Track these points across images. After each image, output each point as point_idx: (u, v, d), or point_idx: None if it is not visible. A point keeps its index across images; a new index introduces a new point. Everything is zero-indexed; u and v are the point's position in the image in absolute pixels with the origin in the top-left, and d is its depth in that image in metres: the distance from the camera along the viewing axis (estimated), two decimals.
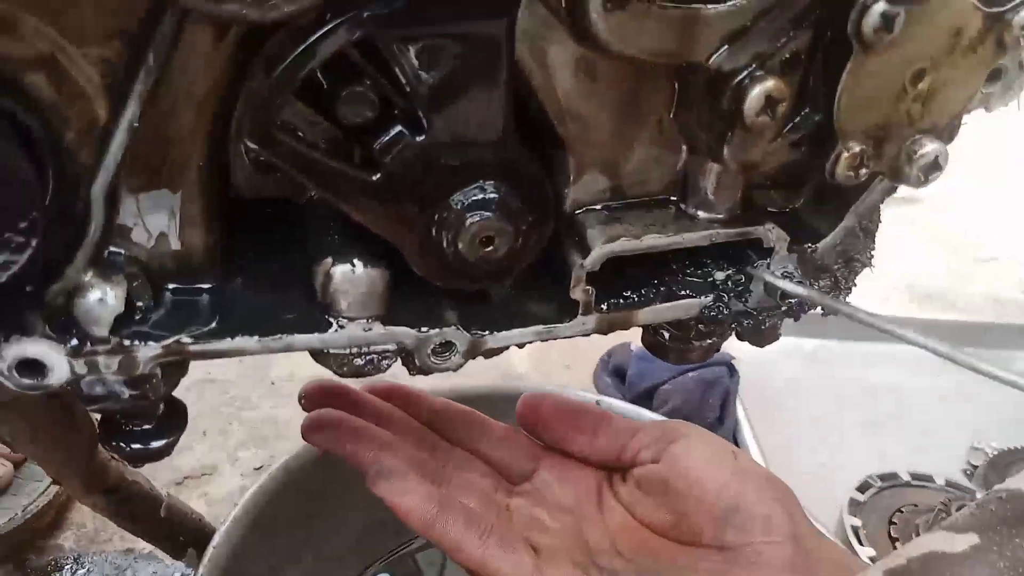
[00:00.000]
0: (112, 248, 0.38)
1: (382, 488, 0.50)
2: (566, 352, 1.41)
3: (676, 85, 0.41)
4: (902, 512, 1.10)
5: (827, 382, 1.51)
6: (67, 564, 1.00)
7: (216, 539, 0.73)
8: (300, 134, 0.36)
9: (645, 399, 1.26)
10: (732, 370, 1.29)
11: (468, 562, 0.48)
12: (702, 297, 0.46)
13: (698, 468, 0.52)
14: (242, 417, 1.22)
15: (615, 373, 1.36)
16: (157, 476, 0.93)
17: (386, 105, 0.36)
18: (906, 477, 1.16)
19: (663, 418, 0.60)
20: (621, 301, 0.45)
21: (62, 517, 1.05)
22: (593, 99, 0.41)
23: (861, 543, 1.04)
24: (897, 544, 1.05)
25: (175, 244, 0.39)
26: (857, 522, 1.08)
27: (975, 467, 1.23)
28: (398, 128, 0.36)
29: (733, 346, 1.44)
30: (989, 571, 0.34)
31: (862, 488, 1.13)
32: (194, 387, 1.24)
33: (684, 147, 0.44)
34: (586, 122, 0.41)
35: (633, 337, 1.43)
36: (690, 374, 1.26)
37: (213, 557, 0.72)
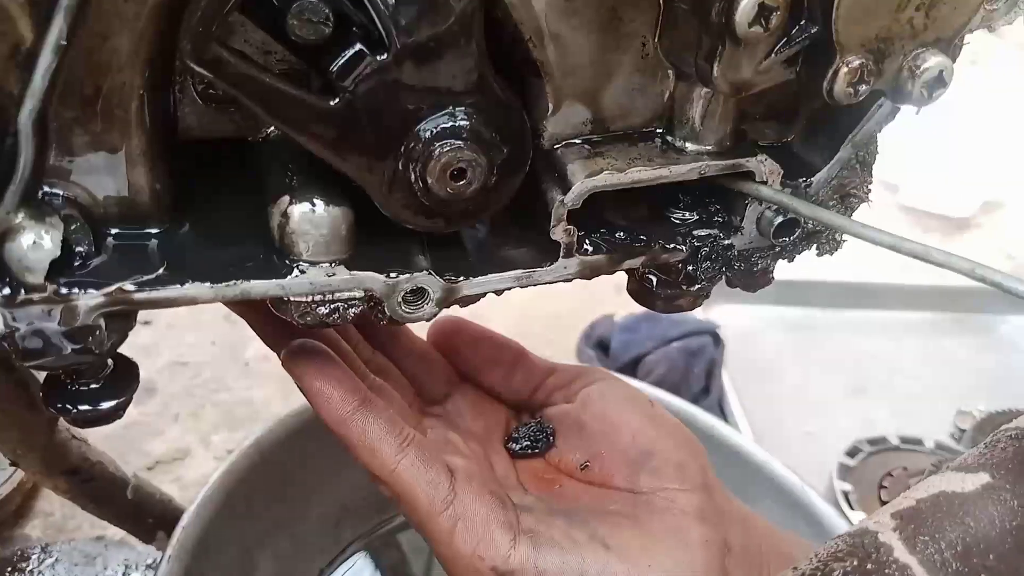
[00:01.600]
0: (48, 189, 0.35)
1: (300, 366, 0.44)
2: (549, 325, 1.39)
3: (661, 3, 0.38)
4: (892, 476, 1.08)
5: (812, 351, 1.49)
6: (34, 554, 0.96)
7: (185, 519, 0.69)
8: (250, 57, 0.33)
9: (629, 370, 1.24)
10: (717, 339, 1.27)
11: (381, 471, 0.44)
12: (690, 237, 0.43)
13: (614, 412, 0.51)
14: (215, 399, 1.18)
15: (598, 346, 1.33)
16: (128, 461, 0.90)
17: (343, 22, 0.33)
18: (895, 441, 1.15)
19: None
20: (604, 244, 0.42)
21: (28, 506, 1.01)
22: (572, 18, 0.37)
23: (852, 507, 1.02)
24: None
25: (116, 185, 0.36)
26: (847, 486, 1.06)
27: (963, 430, 1.22)
28: (357, 47, 0.33)
29: (717, 315, 1.42)
30: (1002, 509, 0.33)
31: (851, 453, 1.11)
32: (166, 369, 1.20)
33: (671, 74, 0.41)
34: (564, 44, 0.38)
35: (616, 309, 1.41)
36: (674, 344, 1.23)
37: (181, 539, 0.68)
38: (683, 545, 0.44)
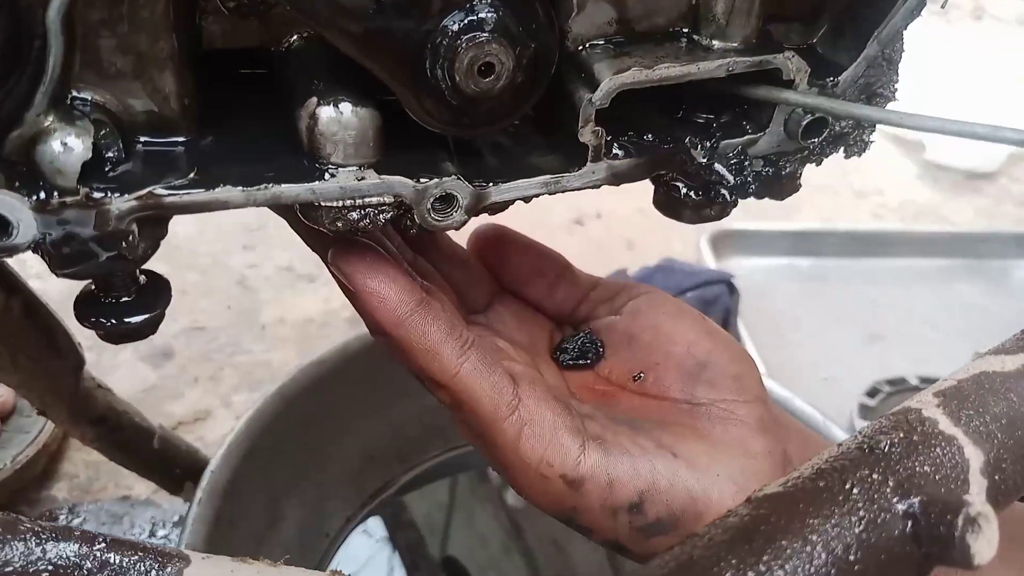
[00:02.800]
0: (76, 94, 0.35)
1: (351, 265, 0.41)
2: None
3: None
4: None
5: (825, 299, 1.49)
6: (62, 514, 0.97)
7: (213, 463, 0.70)
8: None
9: None
10: (732, 288, 1.26)
11: (442, 374, 0.41)
12: (718, 138, 0.43)
13: (667, 323, 0.49)
14: (234, 362, 1.19)
15: None
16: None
17: None
18: (914, 382, 1.15)
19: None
20: (633, 147, 0.42)
21: (53, 468, 1.02)
22: None
23: None
24: None
25: (143, 91, 0.36)
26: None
27: None
28: None
29: (729, 268, 1.42)
30: None
31: (871, 393, 1.11)
32: (182, 334, 1.20)
33: None
34: None
35: (630, 263, 1.41)
36: (688, 293, 1.23)
37: (211, 481, 0.69)
38: (748, 454, 0.44)
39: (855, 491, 0.29)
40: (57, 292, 0.60)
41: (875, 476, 0.30)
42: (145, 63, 0.35)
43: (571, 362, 0.50)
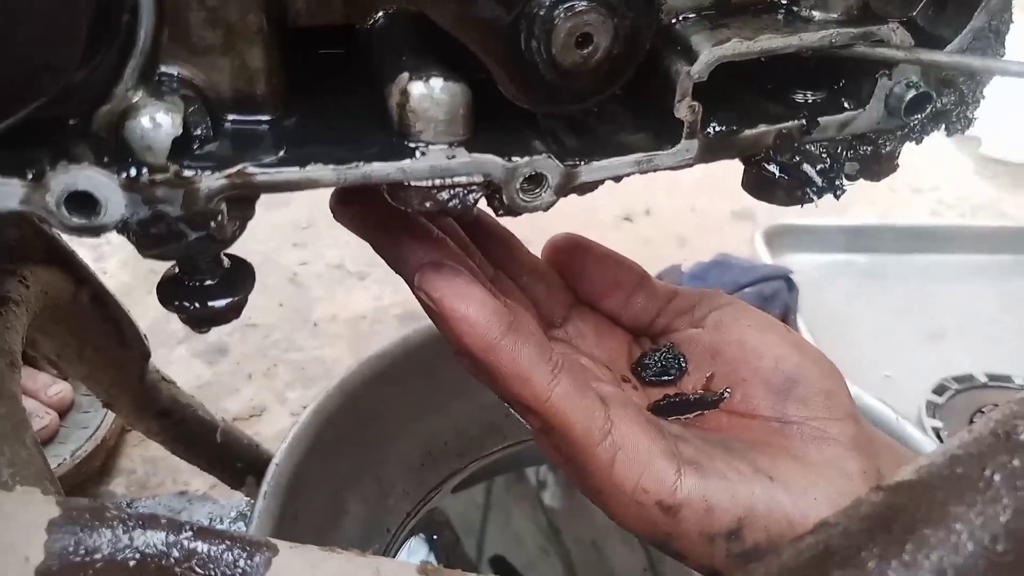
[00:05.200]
0: (164, 70, 0.34)
1: (438, 289, 0.40)
2: None
3: None
4: (982, 412, 1.05)
5: (883, 296, 1.45)
6: None
7: (277, 457, 0.69)
8: None
9: None
10: (791, 284, 1.24)
11: (533, 400, 0.39)
12: (817, 115, 0.41)
13: (753, 337, 0.47)
14: (287, 359, 1.18)
15: None
16: None
17: None
18: (983, 379, 1.11)
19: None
20: (729, 123, 0.40)
21: (111, 464, 1.02)
22: None
23: (943, 443, 0.99)
24: None
25: (231, 67, 0.35)
26: (938, 423, 1.03)
27: None
28: None
29: (786, 261, 1.39)
30: None
31: (939, 391, 1.08)
32: (236, 331, 1.20)
33: None
34: None
35: (688, 258, 1.39)
36: (747, 289, 1.21)
37: (276, 475, 0.68)
38: (843, 476, 0.42)
39: (996, 478, 0.27)
40: (115, 284, 0.60)
41: (1015, 463, 0.28)
42: (234, 38, 0.34)
43: (653, 378, 0.48)
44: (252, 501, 0.93)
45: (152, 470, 1.01)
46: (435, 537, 0.90)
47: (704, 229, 1.57)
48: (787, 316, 1.21)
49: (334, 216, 0.45)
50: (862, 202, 1.67)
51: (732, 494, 0.40)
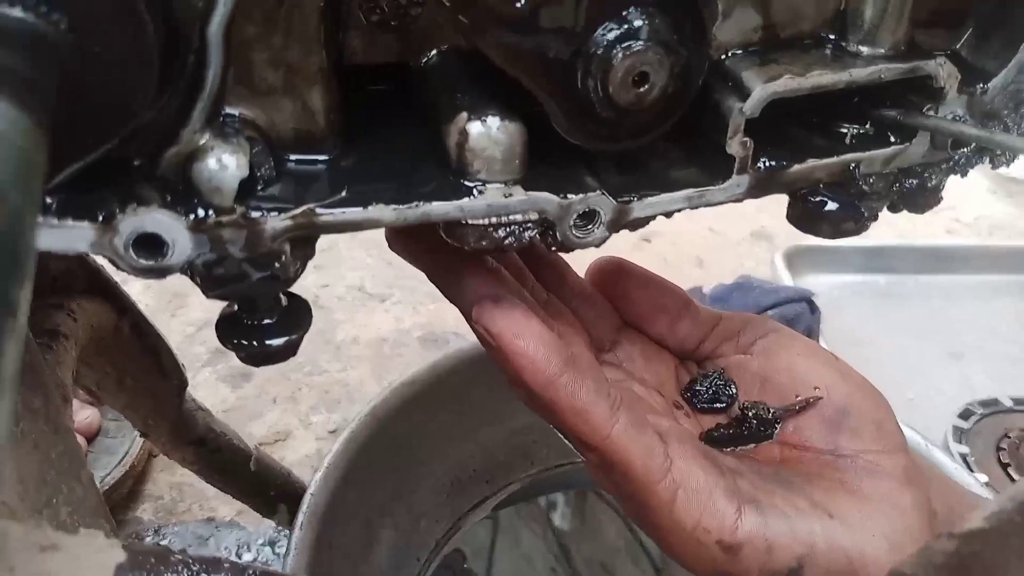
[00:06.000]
0: (227, 111, 0.34)
1: (497, 324, 0.40)
2: None
3: None
4: (1009, 437, 1.04)
5: (903, 317, 1.45)
6: (148, 536, 0.97)
7: (312, 487, 0.69)
8: None
9: None
10: (812, 307, 1.24)
11: (593, 437, 0.39)
12: (867, 151, 0.41)
13: (803, 365, 0.47)
14: (311, 382, 1.18)
15: None
16: None
17: None
18: (1008, 403, 1.11)
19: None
20: (778, 158, 0.41)
21: (138, 490, 1.02)
22: None
23: (971, 469, 0.99)
24: (1009, 470, 1.00)
25: (292, 107, 0.35)
26: (964, 449, 1.02)
27: None
28: None
29: (806, 282, 1.39)
30: None
31: (964, 415, 1.07)
32: None
33: None
34: None
35: (706, 280, 1.39)
36: (769, 312, 1.20)
37: (311, 504, 0.68)
38: (898, 511, 0.42)
39: None
40: (146, 310, 0.61)
41: None
42: (296, 78, 0.35)
43: (705, 405, 0.48)
44: (282, 529, 0.94)
45: (179, 496, 1.01)
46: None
47: (722, 250, 1.57)
48: (810, 338, 1.21)
49: (389, 246, 0.45)
50: (880, 222, 1.66)
51: (792, 531, 0.40)
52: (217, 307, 0.36)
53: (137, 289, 1.32)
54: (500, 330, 0.40)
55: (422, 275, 0.46)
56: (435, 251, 0.43)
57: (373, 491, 0.77)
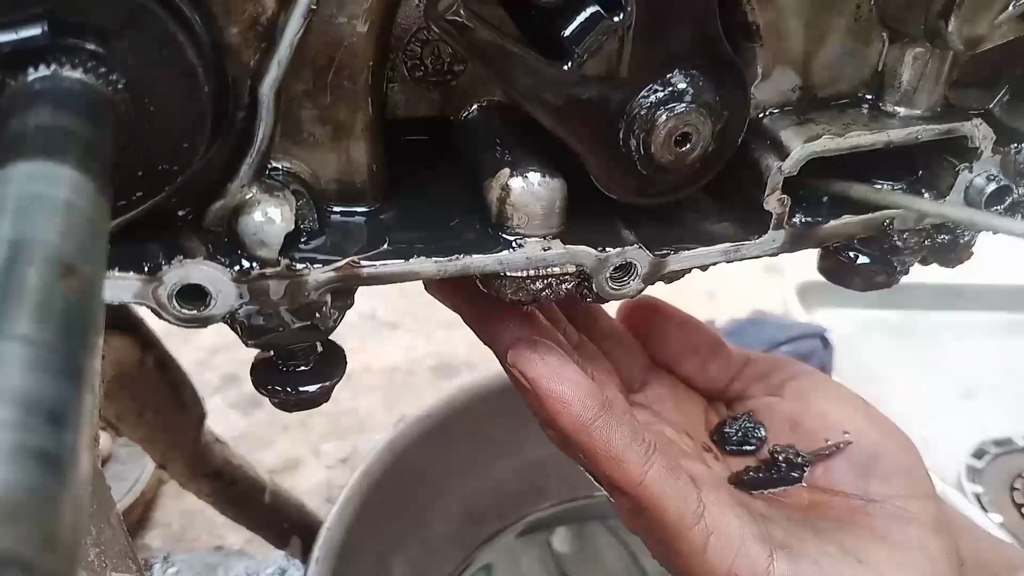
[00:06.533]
0: (274, 164, 0.35)
1: (533, 369, 0.40)
2: None
3: None
4: (1022, 477, 1.04)
5: (916, 353, 1.45)
6: (156, 563, 0.96)
7: (328, 521, 0.69)
8: (490, 22, 0.32)
9: None
10: (825, 342, 1.24)
11: (627, 483, 0.40)
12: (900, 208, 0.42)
13: (833, 410, 0.47)
14: (322, 410, 1.17)
15: None
16: None
17: None
18: (1021, 443, 1.10)
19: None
20: (813, 214, 0.41)
21: (147, 517, 1.02)
22: None
23: (985, 509, 0.98)
24: (1023, 510, 0.99)
25: (337, 161, 0.35)
26: (979, 488, 1.02)
27: None
28: (594, 8, 0.32)
29: (818, 320, 1.39)
30: None
31: (977, 454, 1.07)
32: None
33: (884, 36, 0.39)
34: (782, 6, 0.37)
35: (718, 315, 1.39)
36: (783, 347, 1.20)
37: (327, 539, 0.68)
38: (927, 558, 0.42)
39: None
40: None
41: None
42: (342, 133, 0.35)
43: (734, 448, 0.48)
44: (292, 558, 0.93)
45: (188, 523, 1.01)
46: None
47: (733, 283, 1.57)
48: None
49: (426, 288, 0.45)
50: None
51: None
52: (230, 334, 0.36)
53: (147, 314, 1.32)
54: (537, 375, 0.40)
55: (435, 302, 0.46)
56: (471, 294, 0.43)
57: (387, 525, 0.76)
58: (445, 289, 0.45)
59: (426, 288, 0.46)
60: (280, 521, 0.78)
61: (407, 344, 1.34)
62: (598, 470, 0.41)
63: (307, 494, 1.04)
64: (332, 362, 0.40)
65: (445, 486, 0.84)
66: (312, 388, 0.39)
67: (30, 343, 0.18)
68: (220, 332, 1.29)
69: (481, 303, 0.44)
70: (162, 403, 0.62)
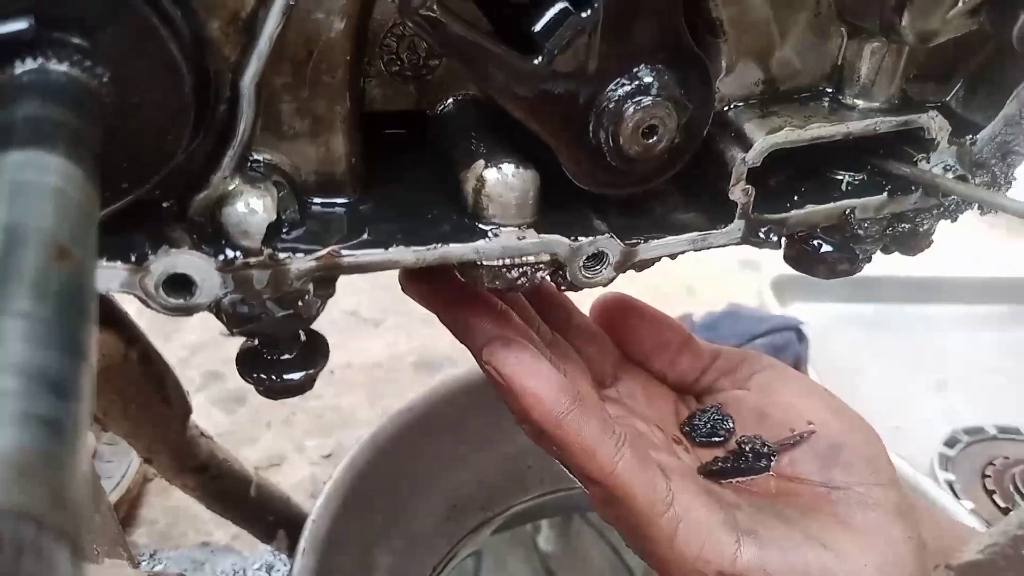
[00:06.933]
0: (255, 156, 0.36)
1: (508, 365, 0.41)
2: None
3: None
4: (994, 465, 1.06)
5: (889, 346, 1.47)
6: (143, 560, 0.97)
7: (314, 513, 0.70)
8: (464, 17, 0.34)
9: None
10: (800, 335, 1.26)
11: (599, 473, 0.41)
12: (862, 197, 0.43)
13: (799, 402, 0.49)
14: (306, 407, 1.19)
15: None
16: None
17: None
18: (992, 431, 1.13)
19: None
20: (776, 205, 0.42)
21: (133, 515, 1.02)
22: None
23: (957, 496, 1.00)
24: (995, 497, 1.02)
25: (317, 153, 0.37)
26: (951, 476, 1.04)
27: None
28: (563, 4, 0.34)
29: (794, 310, 1.41)
30: None
31: (949, 443, 1.09)
32: None
33: (843, 31, 0.41)
34: (744, 4, 0.38)
35: (696, 308, 1.40)
36: (758, 340, 1.22)
37: (313, 531, 0.69)
38: (889, 542, 0.43)
39: None
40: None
41: None
42: (321, 125, 0.36)
43: (703, 440, 0.50)
44: (278, 553, 0.94)
45: (174, 520, 1.02)
46: None
47: (712, 278, 1.59)
48: (798, 367, 1.23)
49: (403, 289, 0.47)
50: None
51: (788, 563, 0.41)
52: (212, 331, 0.37)
53: (131, 312, 1.32)
54: (511, 371, 0.41)
55: None
56: (447, 294, 0.45)
57: (372, 517, 0.78)
58: (422, 290, 0.46)
59: (404, 289, 0.47)
60: (266, 515, 0.79)
61: (389, 340, 1.35)
62: (572, 461, 0.42)
63: (292, 490, 1.04)
64: (315, 350, 0.41)
65: (428, 478, 0.85)
66: (296, 376, 0.40)
67: (29, 318, 0.19)
68: (202, 329, 1.30)
69: (457, 303, 0.45)
70: (147, 397, 0.63)
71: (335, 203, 0.38)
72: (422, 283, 0.46)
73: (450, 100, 0.42)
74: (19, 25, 0.27)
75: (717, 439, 0.49)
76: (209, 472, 0.71)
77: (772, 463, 0.48)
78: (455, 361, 1.29)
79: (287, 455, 1.12)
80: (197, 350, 1.28)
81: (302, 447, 1.13)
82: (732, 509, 0.44)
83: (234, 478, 0.74)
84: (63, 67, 0.28)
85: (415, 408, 0.82)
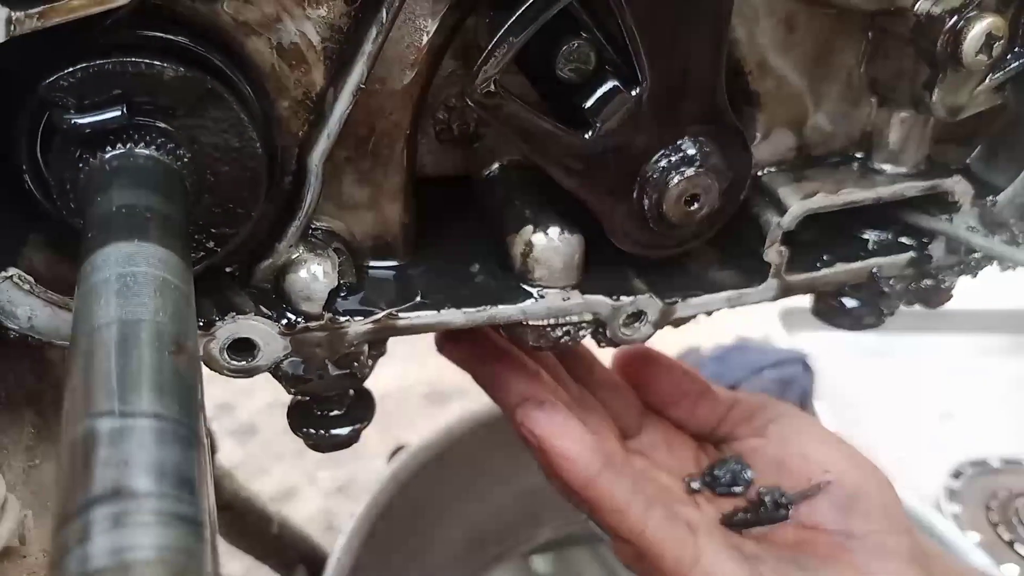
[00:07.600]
0: (315, 224, 0.37)
1: (540, 426, 0.43)
2: None
3: (868, 35, 0.40)
4: (998, 497, 1.07)
5: (893, 375, 1.48)
6: None
7: (337, 550, 0.71)
8: (522, 99, 0.35)
9: None
10: (807, 367, 1.27)
11: (630, 533, 0.43)
12: (888, 256, 0.45)
13: (816, 451, 0.51)
14: None
15: None
16: None
17: (599, 61, 0.35)
18: (996, 464, 1.14)
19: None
20: (808, 264, 0.44)
21: None
22: (790, 51, 0.40)
23: (962, 529, 1.01)
24: (999, 530, 1.03)
25: (373, 220, 0.38)
26: (956, 508, 1.06)
27: None
28: (612, 83, 0.35)
29: (798, 343, 1.42)
30: None
31: (955, 475, 1.11)
32: (265, 410, 1.22)
33: (872, 101, 0.43)
34: (781, 75, 0.40)
35: (704, 341, 1.42)
36: (766, 373, 1.24)
37: (336, 569, 0.70)
38: None
39: None
40: None
41: None
42: (379, 194, 0.38)
43: (723, 490, 0.51)
44: None
45: None
46: None
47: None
48: (806, 399, 1.24)
49: (439, 350, 0.49)
50: None
51: None
52: None
53: None
54: (544, 433, 0.43)
55: None
56: (481, 355, 0.47)
57: (391, 553, 0.79)
58: (461, 350, 0.48)
59: (440, 349, 0.49)
60: (288, 551, 0.80)
61: (398, 371, 1.36)
62: (602, 520, 0.44)
63: (305, 523, 1.05)
64: (363, 406, 0.42)
65: (446, 514, 0.86)
66: (344, 431, 0.41)
67: (158, 418, 0.20)
68: None
69: (490, 362, 0.47)
70: None
71: (388, 266, 0.39)
72: (462, 344, 0.48)
73: (496, 165, 0.43)
74: (113, 113, 0.29)
75: (737, 489, 0.51)
76: (234, 510, 0.72)
77: (791, 512, 0.50)
78: (465, 391, 1.30)
79: (300, 487, 1.13)
80: (208, 382, 1.28)
81: (314, 479, 1.14)
82: (756, 562, 0.45)
83: (257, 516, 0.75)
84: (149, 151, 0.30)
85: (432, 445, 0.84)
